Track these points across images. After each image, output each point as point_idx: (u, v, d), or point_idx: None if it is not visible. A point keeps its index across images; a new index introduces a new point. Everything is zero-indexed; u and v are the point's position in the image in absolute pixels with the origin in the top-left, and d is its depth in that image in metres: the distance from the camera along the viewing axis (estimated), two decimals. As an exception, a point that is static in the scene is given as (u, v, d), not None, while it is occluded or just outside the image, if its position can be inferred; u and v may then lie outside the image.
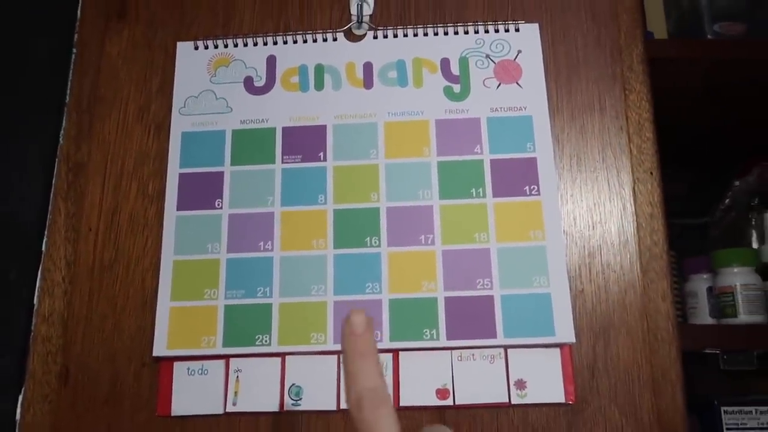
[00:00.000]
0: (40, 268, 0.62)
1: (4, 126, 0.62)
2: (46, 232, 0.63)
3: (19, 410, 0.58)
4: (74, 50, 0.68)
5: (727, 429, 0.62)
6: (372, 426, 0.25)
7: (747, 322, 0.66)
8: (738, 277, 0.68)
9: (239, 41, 0.66)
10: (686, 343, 0.62)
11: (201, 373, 0.57)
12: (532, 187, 0.61)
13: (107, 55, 0.67)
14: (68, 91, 0.67)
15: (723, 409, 0.62)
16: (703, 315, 0.71)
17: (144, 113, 0.65)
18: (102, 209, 0.63)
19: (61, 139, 0.65)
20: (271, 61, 0.65)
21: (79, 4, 0.69)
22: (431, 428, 0.26)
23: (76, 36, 0.68)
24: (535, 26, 0.65)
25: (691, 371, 0.62)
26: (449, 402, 0.56)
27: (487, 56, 0.64)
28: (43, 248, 0.62)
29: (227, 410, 0.56)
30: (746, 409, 0.62)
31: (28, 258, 0.61)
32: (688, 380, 0.60)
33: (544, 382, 0.56)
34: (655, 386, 0.58)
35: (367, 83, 0.64)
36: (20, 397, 0.58)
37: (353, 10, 0.66)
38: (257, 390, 0.56)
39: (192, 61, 0.65)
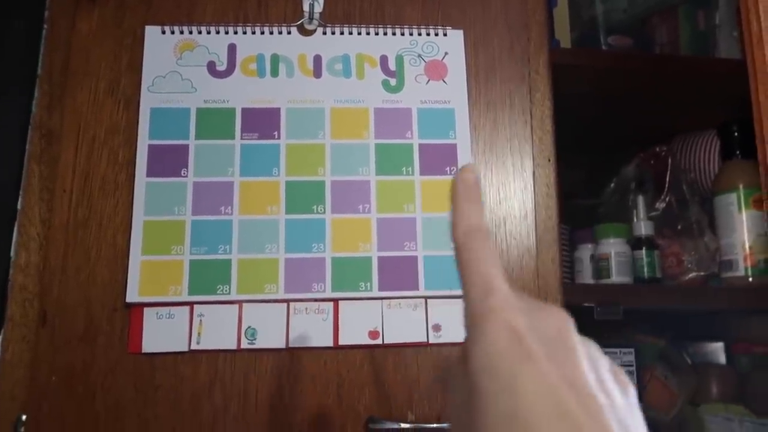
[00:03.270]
0: (16, 224, 0.68)
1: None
2: (21, 193, 0.69)
3: (-1, 349, 0.65)
4: (45, 26, 0.74)
5: (598, 366, 0.78)
6: (478, 253, 0.27)
7: (617, 282, 0.82)
8: (613, 247, 0.84)
9: (203, 29, 0.74)
10: (571, 298, 0.77)
11: (168, 317, 0.66)
12: (452, 168, 0.73)
13: (78, 33, 0.74)
14: (40, 64, 0.73)
15: (595, 350, 0.78)
16: (586, 277, 0.87)
17: (114, 88, 0.72)
18: (75, 173, 0.70)
19: (33, 107, 0.71)
20: (232, 49, 0.74)
21: (50, -17, 0.74)
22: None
23: (46, 13, 0.74)
24: (460, 32, 0.77)
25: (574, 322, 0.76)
26: (379, 341, 0.68)
27: (419, 56, 0.76)
28: (19, 206, 0.69)
29: (192, 348, 0.66)
30: (611, 350, 0.79)
31: (5, 215, 0.68)
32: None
33: (456, 326, 0.69)
34: (543, 331, 0.72)
35: (317, 73, 0.74)
36: (-1, 338, 0.65)
37: (305, 8, 0.76)
38: (218, 331, 0.66)
39: (159, 44, 0.73)
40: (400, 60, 0.75)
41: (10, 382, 0.64)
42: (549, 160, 0.78)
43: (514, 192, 0.76)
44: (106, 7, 0.75)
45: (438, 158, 0.73)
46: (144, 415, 0.64)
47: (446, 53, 0.76)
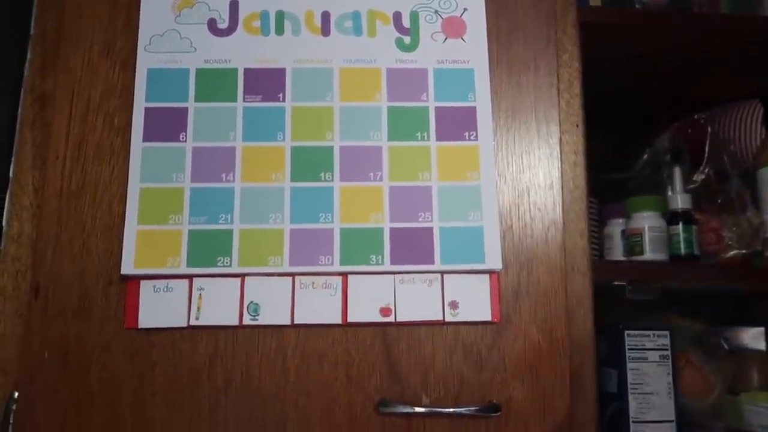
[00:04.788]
0: (8, 192, 0.65)
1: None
2: (13, 159, 0.65)
3: (-10, 323, 0.62)
4: (38, -16, 0.70)
5: (629, 349, 0.72)
6: None
7: (651, 259, 0.76)
8: (646, 221, 0.77)
9: (204, -16, 0.69)
10: (600, 275, 0.71)
11: (166, 291, 0.62)
12: (471, 133, 0.67)
13: (72, -9, 0.69)
14: (32, 25, 0.69)
15: (626, 332, 0.72)
16: (617, 254, 0.81)
17: (110, 49, 0.68)
18: (69, 139, 0.66)
19: (26, 70, 0.67)
20: (234, 5, 0.69)
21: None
22: None
23: (39, -30, 0.70)
24: (481, -14, 0.71)
25: (604, 302, 0.71)
26: (391, 319, 0.63)
27: (436, 12, 0.70)
28: (11, 174, 0.65)
29: (191, 323, 0.62)
30: (645, 332, 0.73)
31: (-4, 183, 0.64)
32: (600, 309, 0.69)
33: (474, 304, 0.64)
34: (569, 311, 0.67)
35: (325, 31, 0.69)
36: (-9, 312, 0.62)
37: (313, -39, 0.71)
38: (218, 306, 0.62)
39: (157, 1, 0.68)
40: (414, 16, 0.70)
41: (1, 358, 0.61)
42: (577, 126, 0.72)
43: (539, 159, 0.70)
44: (101, -37, 0.70)
45: (456, 123, 0.67)
46: (140, 393, 0.61)
47: (465, 9, 0.70)
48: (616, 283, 0.74)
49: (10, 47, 0.67)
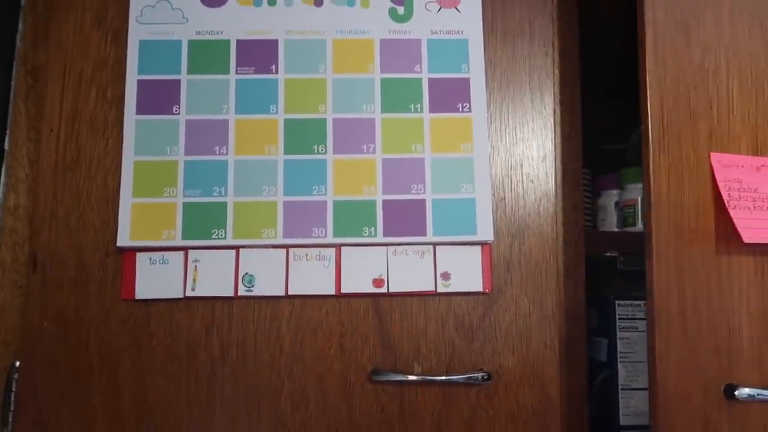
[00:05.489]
0: (4, 165, 0.65)
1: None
2: (7, 132, 0.66)
3: (-10, 295, 0.63)
4: (27, -46, 0.69)
5: (620, 319, 0.73)
6: None
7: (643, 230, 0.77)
8: (641, 192, 0.78)
9: (194, -47, 0.68)
10: (593, 247, 0.72)
11: (162, 263, 0.63)
12: (464, 105, 0.67)
13: (62, -39, 0.68)
14: (23, -5, 0.68)
15: (617, 302, 0.73)
16: (610, 225, 0.81)
17: (101, 20, 0.67)
18: (63, 112, 0.66)
19: (17, 42, 0.67)
20: (226, -25, 0.68)
21: None
22: None
23: (28, -61, 0.69)
24: (475, -46, 0.70)
25: (596, 273, 0.72)
26: (384, 290, 0.64)
27: (430, -19, 0.69)
28: (6, 147, 0.65)
29: (187, 295, 0.63)
30: (635, 302, 0.73)
31: (-8, 156, 0.65)
32: (592, 281, 0.70)
33: (466, 274, 0.65)
34: (560, 281, 0.68)
35: (318, 1, 0.68)
36: (-10, 284, 0.63)
37: (305, -71, 0.69)
38: (214, 278, 0.63)
39: (148, -29, 0.67)
40: (408, -14, 0.69)
41: (2, 328, 0.62)
42: (572, 96, 0.71)
43: (533, 131, 0.70)
44: (90, -68, 0.69)
45: (449, 94, 0.67)
46: (138, 363, 0.62)
47: (460, -22, 0.69)
48: (608, 254, 0.75)
49: (1, 19, 0.66)
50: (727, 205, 0.59)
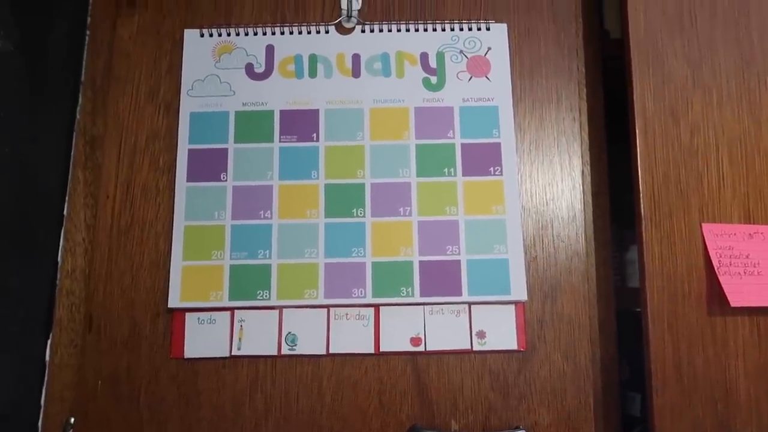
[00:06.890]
0: (63, 229, 0.69)
1: (26, 102, 0.68)
2: (67, 198, 0.70)
3: (48, 353, 0.66)
4: (87, 32, 0.74)
5: (652, 374, 0.74)
6: None
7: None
8: (668, 248, 0.79)
9: (241, 30, 0.73)
10: (623, 302, 0.74)
11: (210, 323, 0.66)
12: (496, 168, 0.70)
13: (119, 38, 0.74)
14: (83, 70, 0.73)
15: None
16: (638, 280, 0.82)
17: (154, 93, 0.72)
18: (118, 179, 0.70)
19: (78, 114, 0.72)
20: (270, 50, 0.73)
21: (91, -9, 0.75)
22: None
23: (88, 19, 0.75)
24: (504, 26, 0.74)
25: (627, 327, 0.73)
26: (421, 348, 0.66)
27: (461, 52, 0.73)
28: (65, 212, 0.70)
29: (233, 353, 0.65)
30: (668, 357, 0.74)
31: (53, 221, 0.69)
32: (623, 335, 0.71)
33: (501, 333, 0.67)
34: (593, 337, 0.69)
35: (355, 72, 0.73)
36: (48, 342, 0.66)
37: (343, 5, 0.74)
38: (258, 337, 0.66)
39: (198, 48, 0.73)
40: (441, 57, 0.73)
41: (59, 385, 0.66)
42: (599, 159, 0.74)
43: (562, 192, 0.72)
44: (145, 12, 0.75)
45: (481, 158, 0.70)
46: (187, 419, 0.65)
47: (489, 48, 0.73)
48: (638, 309, 0.76)
49: (63, 92, 0.71)
50: (717, 272, 0.64)
